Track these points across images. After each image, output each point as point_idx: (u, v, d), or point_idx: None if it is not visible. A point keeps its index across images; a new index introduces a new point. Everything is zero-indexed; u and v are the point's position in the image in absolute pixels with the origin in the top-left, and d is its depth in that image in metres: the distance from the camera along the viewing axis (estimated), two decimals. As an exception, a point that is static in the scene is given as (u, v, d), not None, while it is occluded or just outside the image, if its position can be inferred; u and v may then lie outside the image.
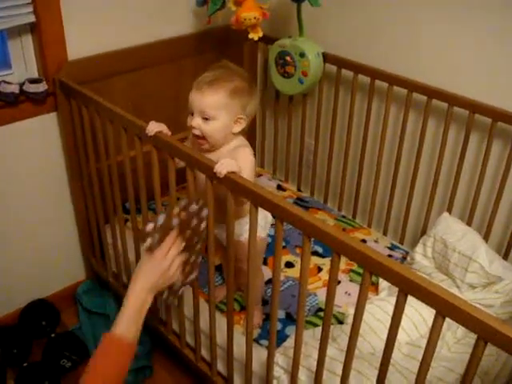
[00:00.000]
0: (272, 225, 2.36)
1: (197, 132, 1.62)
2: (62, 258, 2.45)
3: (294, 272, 2.16)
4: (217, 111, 1.60)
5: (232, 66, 1.71)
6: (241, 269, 1.82)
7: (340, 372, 1.40)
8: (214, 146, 1.66)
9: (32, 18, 1.96)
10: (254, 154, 1.70)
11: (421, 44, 2.12)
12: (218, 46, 2.50)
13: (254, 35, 2.21)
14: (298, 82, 2.36)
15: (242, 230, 1.75)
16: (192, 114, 1.64)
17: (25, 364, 2.17)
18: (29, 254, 2.33)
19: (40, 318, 2.35)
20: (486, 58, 1.96)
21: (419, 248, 2.15)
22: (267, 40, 2.44)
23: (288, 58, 2.33)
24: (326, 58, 2.35)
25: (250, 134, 2.85)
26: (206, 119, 1.61)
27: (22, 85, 2.02)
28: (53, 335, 2.30)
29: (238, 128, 1.66)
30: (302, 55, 2.28)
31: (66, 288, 2.52)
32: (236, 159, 1.50)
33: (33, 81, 2.03)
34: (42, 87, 2.03)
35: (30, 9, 1.94)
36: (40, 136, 2.16)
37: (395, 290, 1.14)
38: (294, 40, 2.31)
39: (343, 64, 2.34)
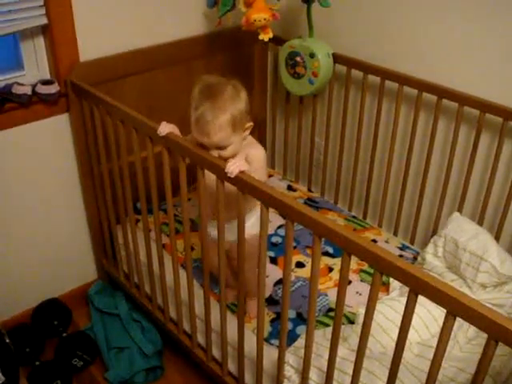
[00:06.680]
0: (282, 225, 2.39)
1: (219, 158, 1.61)
2: (73, 258, 2.47)
3: (305, 272, 2.16)
4: (229, 140, 1.61)
5: (211, 80, 1.64)
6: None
7: (351, 372, 1.40)
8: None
9: (44, 20, 1.98)
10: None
11: (430, 44, 2.12)
12: (229, 47, 2.52)
13: (265, 36, 2.21)
14: (308, 82, 2.36)
15: None
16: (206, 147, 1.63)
17: (37, 363, 2.18)
18: (41, 254, 2.35)
19: (52, 318, 2.37)
20: (496, 57, 1.96)
21: (430, 248, 2.14)
22: (277, 41, 2.45)
23: (298, 59, 2.34)
24: (336, 58, 2.35)
25: (260, 134, 2.87)
26: (222, 148, 1.62)
27: (34, 86, 2.04)
28: (65, 335, 2.32)
29: (247, 132, 1.69)
30: (312, 56, 2.28)
31: (78, 288, 2.54)
32: (249, 158, 1.59)
33: (45, 82, 2.05)
34: (54, 88, 2.05)
35: (43, 11, 1.96)
36: (52, 137, 2.17)
37: (406, 289, 1.14)
38: (304, 41, 2.32)
39: (353, 64, 2.34)
